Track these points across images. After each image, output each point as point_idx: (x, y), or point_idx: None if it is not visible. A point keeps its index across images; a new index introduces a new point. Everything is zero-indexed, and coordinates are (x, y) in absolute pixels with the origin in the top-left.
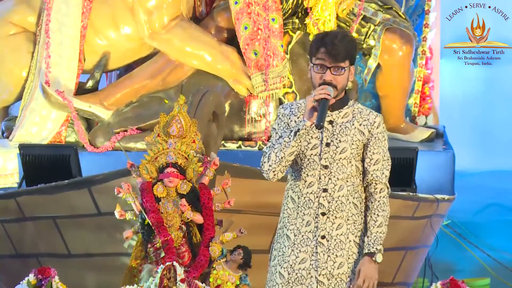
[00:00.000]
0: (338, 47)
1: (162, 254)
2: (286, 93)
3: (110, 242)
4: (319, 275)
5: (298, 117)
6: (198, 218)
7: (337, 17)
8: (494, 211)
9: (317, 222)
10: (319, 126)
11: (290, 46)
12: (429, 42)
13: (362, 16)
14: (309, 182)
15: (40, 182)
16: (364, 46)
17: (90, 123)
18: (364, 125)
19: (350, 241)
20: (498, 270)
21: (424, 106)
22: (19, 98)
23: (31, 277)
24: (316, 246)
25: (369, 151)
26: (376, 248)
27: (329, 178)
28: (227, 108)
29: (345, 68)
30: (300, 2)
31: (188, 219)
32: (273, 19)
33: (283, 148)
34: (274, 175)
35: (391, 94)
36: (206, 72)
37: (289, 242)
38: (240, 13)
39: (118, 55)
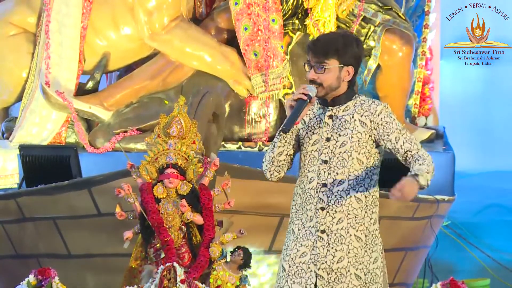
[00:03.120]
0: (320, 43)
1: (162, 255)
2: (286, 94)
3: (110, 243)
4: (318, 269)
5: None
6: (198, 219)
7: (337, 18)
8: (494, 211)
9: (317, 217)
10: (284, 130)
11: (290, 47)
12: (429, 43)
13: (362, 17)
14: (310, 178)
15: (40, 183)
16: (364, 47)
17: (90, 124)
18: (365, 116)
19: (350, 235)
20: (498, 270)
21: (424, 107)
22: (19, 99)
23: (31, 278)
24: (316, 241)
25: (385, 138)
26: (417, 174)
27: (329, 173)
28: (227, 109)
29: (327, 66)
30: (300, 3)
31: (188, 220)
32: (273, 20)
33: (273, 149)
34: (271, 174)
35: (391, 94)
36: (206, 73)
37: (294, 236)
38: (240, 14)
39: (118, 55)
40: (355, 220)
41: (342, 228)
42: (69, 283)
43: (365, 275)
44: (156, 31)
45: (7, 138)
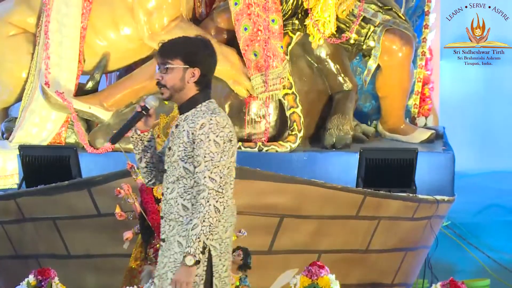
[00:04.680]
0: (166, 45)
1: None
2: (286, 94)
3: (110, 243)
4: (155, 277)
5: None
6: None
7: (337, 18)
8: (494, 212)
9: (161, 226)
10: (111, 141)
11: (290, 47)
12: (429, 43)
13: (362, 17)
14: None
15: (40, 183)
16: (364, 47)
17: (90, 124)
18: (191, 127)
19: (175, 241)
20: (498, 271)
21: (423, 107)
22: (19, 99)
23: (31, 278)
24: (159, 250)
25: (195, 154)
26: (188, 251)
27: (165, 182)
28: (226, 109)
29: (170, 66)
30: (300, 3)
31: None
32: (273, 20)
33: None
34: (144, 180)
35: (390, 95)
36: None
37: None
38: (240, 14)
39: (118, 56)
40: (181, 227)
41: (172, 235)
42: (68, 284)
43: None
44: (156, 31)
45: (7, 139)
